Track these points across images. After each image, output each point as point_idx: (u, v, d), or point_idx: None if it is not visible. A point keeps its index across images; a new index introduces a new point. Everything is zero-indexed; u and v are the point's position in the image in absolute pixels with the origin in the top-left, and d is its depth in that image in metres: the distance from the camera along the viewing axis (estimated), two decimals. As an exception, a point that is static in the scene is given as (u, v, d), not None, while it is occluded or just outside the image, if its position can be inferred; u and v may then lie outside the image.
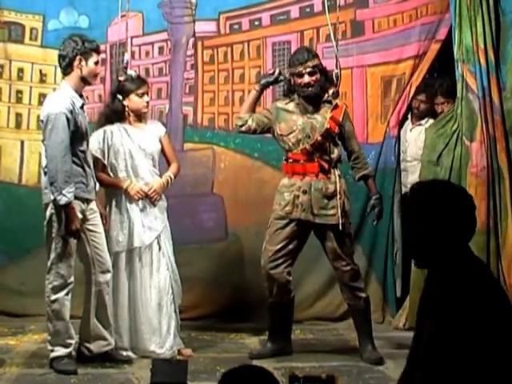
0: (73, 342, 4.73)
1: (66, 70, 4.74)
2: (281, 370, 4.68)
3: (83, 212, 4.72)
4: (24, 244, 6.06)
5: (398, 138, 6.18)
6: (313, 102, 5.01)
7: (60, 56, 4.76)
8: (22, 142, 6.23)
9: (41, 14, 6.21)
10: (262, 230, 5.88)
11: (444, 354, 2.37)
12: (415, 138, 6.25)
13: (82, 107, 4.71)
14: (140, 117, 5.10)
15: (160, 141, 5.14)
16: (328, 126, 4.97)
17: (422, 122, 6.27)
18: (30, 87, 6.27)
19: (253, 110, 5.13)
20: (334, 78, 5.03)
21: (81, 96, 4.76)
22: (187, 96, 6.23)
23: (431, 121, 6.20)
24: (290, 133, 5.02)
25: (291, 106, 5.06)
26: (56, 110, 4.59)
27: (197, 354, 5.08)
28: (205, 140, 6.19)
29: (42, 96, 6.23)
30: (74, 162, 4.63)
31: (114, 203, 5.04)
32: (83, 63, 4.69)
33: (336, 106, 5.04)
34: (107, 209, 5.04)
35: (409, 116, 6.30)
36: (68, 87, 4.71)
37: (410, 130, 6.29)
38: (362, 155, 5.13)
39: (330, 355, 5.12)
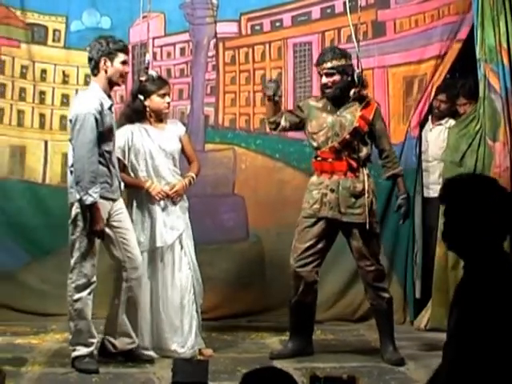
0: (94, 341, 4.74)
1: (94, 71, 4.78)
2: (301, 370, 4.69)
3: (109, 212, 4.74)
4: (46, 243, 6.11)
5: (419, 138, 6.15)
6: (337, 101, 5.01)
7: (88, 58, 4.81)
8: (46, 142, 6.28)
9: (63, 16, 6.25)
10: (283, 230, 5.90)
11: (467, 342, 2.38)
12: (435, 137, 6.22)
13: (110, 108, 4.73)
14: (161, 117, 5.11)
15: (180, 140, 5.15)
16: (357, 125, 4.97)
17: (442, 121, 6.23)
18: (53, 88, 6.31)
19: (279, 110, 5.12)
20: (356, 79, 5.01)
21: (109, 97, 4.79)
22: (208, 97, 6.25)
23: (451, 121, 6.16)
24: (320, 130, 5.02)
25: (322, 104, 5.07)
26: (84, 111, 4.62)
27: (217, 354, 5.08)
28: (226, 141, 6.20)
29: (65, 97, 6.29)
30: (100, 163, 4.66)
31: (135, 203, 5.06)
32: (108, 64, 4.71)
33: (367, 105, 5.02)
34: (128, 209, 5.06)
35: (429, 116, 6.26)
36: (97, 88, 4.74)
37: (431, 130, 6.26)
38: (392, 154, 5.10)
39: (350, 356, 5.11)
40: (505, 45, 5.65)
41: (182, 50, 6.30)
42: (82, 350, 4.69)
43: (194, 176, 5.14)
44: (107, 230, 4.74)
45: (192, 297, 5.05)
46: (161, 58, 6.26)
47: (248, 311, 6.04)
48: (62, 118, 6.29)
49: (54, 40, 6.31)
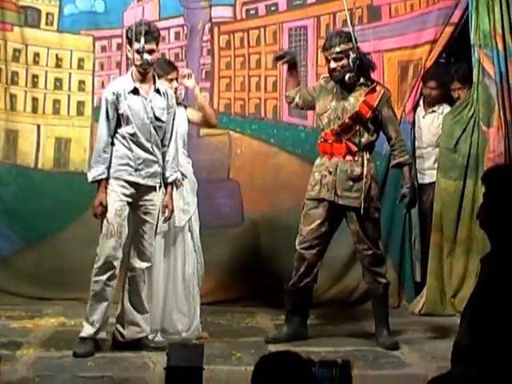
0: (97, 325, 4.70)
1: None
2: (297, 354, 4.71)
3: (131, 195, 4.72)
4: (40, 228, 6.10)
5: (414, 123, 6.15)
6: (346, 86, 5.00)
7: None
8: (39, 127, 6.26)
9: (57, -1, 6.22)
10: (278, 215, 5.92)
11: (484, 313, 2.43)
12: (429, 124, 6.21)
13: (133, 91, 4.70)
14: None
15: (188, 120, 5.18)
16: (358, 109, 4.96)
17: (435, 108, 6.22)
18: (46, 72, 6.29)
19: (297, 84, 5.20)
20: (351, 64, 4.99)
21: (145, 82, 4.75)
22: (203, 81, 6.22)
23: (445, 106, 6.14)
24: (324, 112, 5.03)
25: (330, 86, 5.08)
26: (104, 92, 4.79)
27: (213, 338, 5.09)
28: (221, 126, 6.18)
29: (58, 81, 6.27)
30: (122, 145, 4.70)
31: None
32: (129, 50, 4.76)
33: (373, 90, 5.02)
34: None
35: (421, 103, 6.24)
36: (129, 71, 4.83)
37: (424, 117, 6.24)
38: (398, 142, 5.05)
39: (345, 340, 5.12)
40: (499, 30, 5.66)
41: (177, 35, 6.28)
42: (86, 331, 4.69)
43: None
44: (136, 212, 4.74)
45: (196, 280, 5.09)
46: (155, 42, 6.22)
47: (243, 295, 6.05)
48: (55, 102, 6.28)
49: (47, 23, 6.28)
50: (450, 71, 6.20)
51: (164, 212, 4.80)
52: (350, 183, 4.96)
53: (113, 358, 4.64)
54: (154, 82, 4.79)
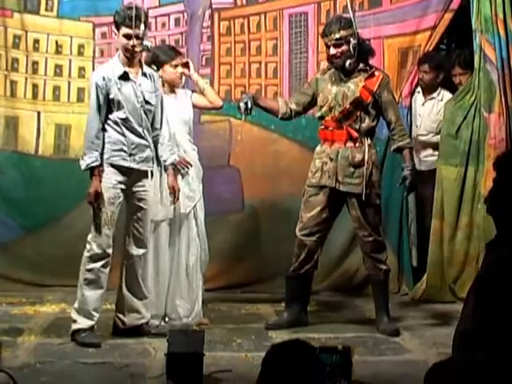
0: (97, 315, 4.70)
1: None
2: (297, 340, 4.72)
3: (125, 182, 4.70)
4: (40, 216, 6.10)
5: (410, 108, 6.12)
6: (345, 71, 4.99)
7: None
8: (39, 113, 6.25)
9: (56, -16, 6.20)
10: (279, 201, 5.91)
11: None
12: (429, 111, 6.18)
13: (123, 76, 4.68)
14: (173, 87, 5.13)
15: (193, 104, 5.19)
16: (358, 95, 4.95)
17: (434, 94, 6.18)
18: (46, 58, 6.27)
19: (277, 104, 5.17)
20: (351, 50, 4.97)
21: (132, 66, 4.72)
22: (204, 68, 6.20)
23: (444, 92, 6.10)
24: (326, 102, 5.02)
25: (327, 76, 5.07)
26: (92, 77, 4.75)
27: (213, 324, 5.10)
28: (221, 112, 6.16)
29: (58, 67, 6.25)
30: (114, 130, 4.67)
31: (155, 172, 5.06)
32: (117, 36, 4.73)
33: (372, 75, 5.00)
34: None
35: (420, 89, 6.21)
36: (116, 56, 4.78)
37: (423, 104, 6.22)
38: (398, 126, 5.05)
39: (345, 326, 5.13)
40: (501, 15, 5.64)
41: (177, 21, 6.26)
42: (82, 323, 4.67)
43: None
44: (129, 199, 4.73)
45: (199, 267, 5.11)
46: (155, 28, 6.21)
47: (243, 282, 6.06)
48: (55, 88, 6.26)
49: (46, 9, 6.25)
50: (451, 57, 6.18)
51: (172, 194, 4.81)
52: (352, 169, 4.96)
53: (113, 345, 4.65)
54: (141, 66, 4.78)
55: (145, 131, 4.74)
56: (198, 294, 5.11)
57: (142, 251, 4.80)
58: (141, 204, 4.76)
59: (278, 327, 5.04)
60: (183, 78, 5.19)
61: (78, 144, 6.19)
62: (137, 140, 4.72)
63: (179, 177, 5.03)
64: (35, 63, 6.25)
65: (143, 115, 4.74)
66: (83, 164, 4.65)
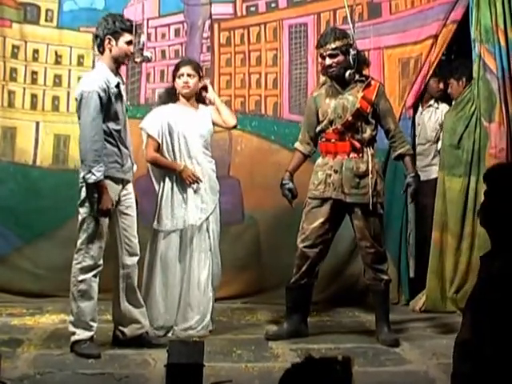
0: (95, 325, 4.69)
1: (99, 49, 4.74)
2: (297, 351, 4.73)
3: (119, 194, 4.70)
4: (38, 226, 6.08)
5: (414, 118, 6.13)
6: (342, 82, 5.00)
7: (94, 36, 4.77)
8: (37, 124, 6.24)
9: (56, -5, 6.21)
10: (279, 212, 5.89)
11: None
12: (427, 120, 6.22)
13: (117, 86, 4.68)
14: (189, 99, 5.16)
15: (212, 121, 5.21)
16: (359, 106, 4.96)
17: (431, 102, 6.22)
18: (45, 68, 6.27)
19: (301, 155, 5.17)
20: (351, 61, 4.98)
21: (117, 75, 4.73)
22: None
23: (441, 102, 6.14)
24: (326, 116, 5.02)
25: (323, 90, 5.08)
26: (89, 89, 4.57)
27: (213, 335, 5.09)
28: (221, 123, 6.17)
29: (57, 77, 6.25)
30: (108, 142, 4.63)
31: (167, 183, 5.11)
32: (113, 43, 4.66)
33: (369, 85, 5.01)
34: (160, 186, 5.11)
35: (432, 103, 6.22)
36: (103, 66, 4.70)
37: (421, 113, 6.24)
38: (398, 134, 5.07)
39: (345, 337, 5.12)
40: (501, 25, 5.66)
41: (177, 31, 6.27)
42: (82, 334, 4.65)
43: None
44: (117, 208, 4.71)
45: (210, 279, 5.12)
46: (155, 39, 6.23)
47: (243, 293, 6.06)
48: (55, 98, 6.25)
49: (46, 20, 6.26)
50: (449, 67, 6.19)
51: None
52: (357, 180, 4.96)
53: (113, 355, 4.63)
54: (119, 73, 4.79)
55: (127, 140, 4.77)
56: (209, 306, 5.12)
57: (135, 259, 4.79)
58: (128, 211, 4.76)
59: (278, 338, 5.02)
60: (190, 89, 5.15)
61: (76, 154, 6.12)
62: (125, 151, 4.74)
63: (190, 190, 5.06)
64: (34, 73, 6.25)
65: (127, 124, 4.79)
66: (92, 178, 4.53)
